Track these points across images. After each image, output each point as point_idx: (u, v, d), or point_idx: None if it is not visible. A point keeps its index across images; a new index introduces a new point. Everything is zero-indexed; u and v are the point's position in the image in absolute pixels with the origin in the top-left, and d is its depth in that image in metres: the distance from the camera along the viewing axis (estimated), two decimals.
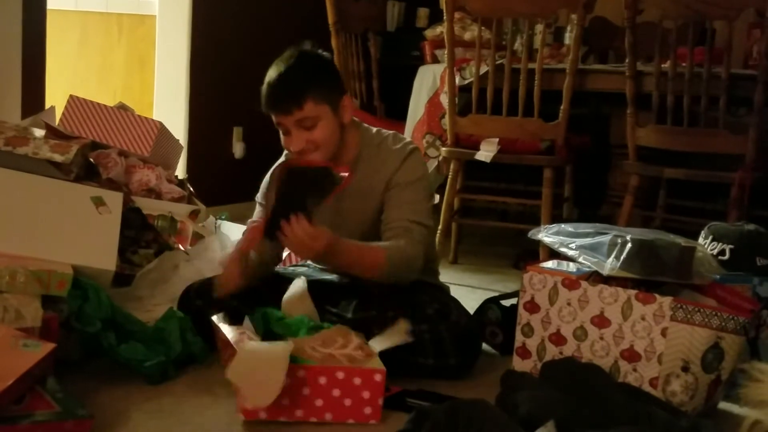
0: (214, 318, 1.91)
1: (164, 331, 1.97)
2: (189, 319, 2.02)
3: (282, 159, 2.19)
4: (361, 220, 2.12)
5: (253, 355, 1.67)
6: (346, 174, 1.95)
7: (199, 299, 2.10)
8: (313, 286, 2.11)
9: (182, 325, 1.99)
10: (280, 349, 1.68)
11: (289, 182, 1.89)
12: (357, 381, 1.71)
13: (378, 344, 1.84)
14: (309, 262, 2.35)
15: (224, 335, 1.81)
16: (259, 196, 2.23)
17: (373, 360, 1.77)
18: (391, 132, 2.19)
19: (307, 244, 1.87)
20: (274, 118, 2.04)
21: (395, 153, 2.10)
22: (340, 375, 1.70)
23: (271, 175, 2.09)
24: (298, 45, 2.11)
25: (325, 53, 2.10)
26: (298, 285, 1.99)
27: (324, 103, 2.01)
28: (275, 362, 1.64)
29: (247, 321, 1.87)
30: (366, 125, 2.19)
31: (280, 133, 2.07)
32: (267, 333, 1.86)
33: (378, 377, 1.72)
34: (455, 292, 2.32)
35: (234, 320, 1.93)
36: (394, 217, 2.07)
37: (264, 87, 2.04)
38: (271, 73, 2.04)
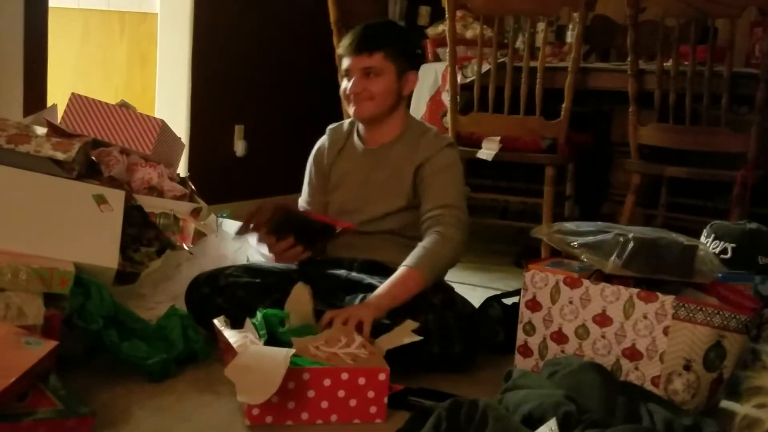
0: (216, 322, 1.91)
1: (166, 329, 1.97)
2: (191, 317, 2.03)
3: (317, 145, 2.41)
4: (387, 198, 2.24)
5: (253, 356, 1.68)
6: (346, 227, 2.19)
7: (207, 286, 2.11)
8: (319, 280, 2.12)
9: (184, 322, 1.99)
10: (282, 352, 1.68)
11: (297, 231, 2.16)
12: (361, 381, 1.71)
13: (385, 343, 1.84)
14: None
15: (226, 339, 1.81)
16: (306, 174, 2.41)
17: (377, 359, 1.77)
18: (435, 128, 2.36)
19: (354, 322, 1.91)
20: (344, 63, 2.23)
21: (433, 143, 2.24)
22: (345, 376, 1.70)
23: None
24: None
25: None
26: (301, 289, 1.98)
27: (392, 62, 2.21)
28: (275, 364, 1.64)
29: (248, 324, 1.87)
30: (413, 116, 2.41)
31: (343, 81, 2.25)
32: (271, 339, 1.84)
33: (382, 376, 1.72)
34: (457, 289, 2.31)
35: (236, 319, 1.93)
36: (427, 206, 2.17)
37: (349, 33, 2.25)
38: (359, 25, 2.28)
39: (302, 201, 2.40)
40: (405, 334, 1.85)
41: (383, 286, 2.02)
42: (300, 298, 1.96)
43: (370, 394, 1.72)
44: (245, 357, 1.68)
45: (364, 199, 2.27)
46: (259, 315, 1.90)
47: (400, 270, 2.04)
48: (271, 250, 2.19)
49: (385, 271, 2.20)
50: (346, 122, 2.38)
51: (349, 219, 2.27)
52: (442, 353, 1.98)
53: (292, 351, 1.70)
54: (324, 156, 2.36)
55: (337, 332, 1.83)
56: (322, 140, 2.40)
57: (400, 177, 2.24)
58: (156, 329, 1.97)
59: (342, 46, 2.25)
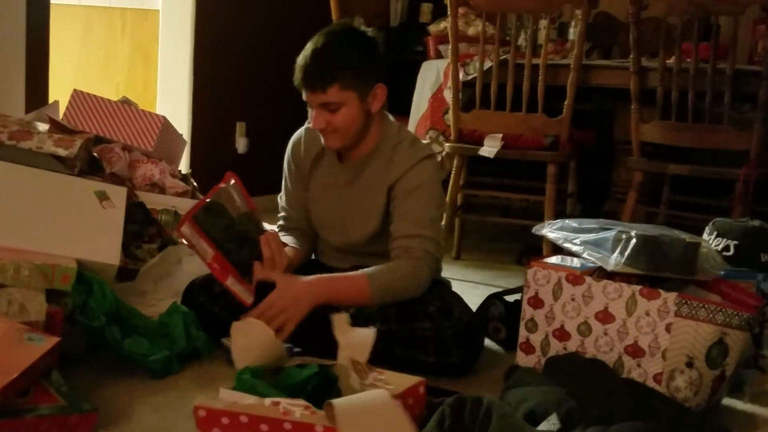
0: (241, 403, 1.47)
1: (168, 326, 1.97)
2: (193, 314, 2.02)
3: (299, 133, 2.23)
4: (367, 215, 2.12)
5: (357, 407, 1.44)
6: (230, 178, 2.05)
7: (203, 295, 2.10)
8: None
9: (186, 319, 1.99)
10: (377, 393, 1.49)
11: (212, 223, 1.97)
12: (410, 401, 1.60)
13: (358, 354, 1.67)
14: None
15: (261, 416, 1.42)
16: (285, 168, 2.25)
17: (398, 374, 1.66)
18: (411, 135, 2.17)
19: (292, 306, 1.87)
20: (303, 93, 2.03)
21: (405, 158, 2.07)
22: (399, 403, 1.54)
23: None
24: (349, 20, 2.11)
25: (371, 35, 2.07)
26: (246, 326, 1.76)
27: (351, 89, 1.98)
28: (386, 407, 1.43)
29: (226, 393, 1.52)
30: (392, 120, 2.16)
31: (309, 110, 2.05)
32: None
33: (422, 389, 1.63)
34: (458, 287, 2.32)
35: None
36: (397, 232, 2.04)
37: (299, 58, 2.02)
38: (309, 46, 2.02)
39: (282, 201, 2.27)
40: (363, 335, 1.69)
41: (332, 275, 1.94)
42: (252, 334, 1.76)
43: (418, 411, 1.61)
44: (351, 412, 1.41)
45: (346, 217, 2.15)
46: (243, 383, 1.59)
47: (355, 273, 1.96)
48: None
49: None
50: None
51: (337, 237, 2.18)
52: (437, 363, 1.95)
53: (385, 392, 1.50)
54: (301, 152, 2.20)
55: (355, 365, 1.65)
56: (299, 134, 2.22)
57: (373, 198, 2.10)
58: (158, 326, 1.97)
59: (295, 75, 2.02)
